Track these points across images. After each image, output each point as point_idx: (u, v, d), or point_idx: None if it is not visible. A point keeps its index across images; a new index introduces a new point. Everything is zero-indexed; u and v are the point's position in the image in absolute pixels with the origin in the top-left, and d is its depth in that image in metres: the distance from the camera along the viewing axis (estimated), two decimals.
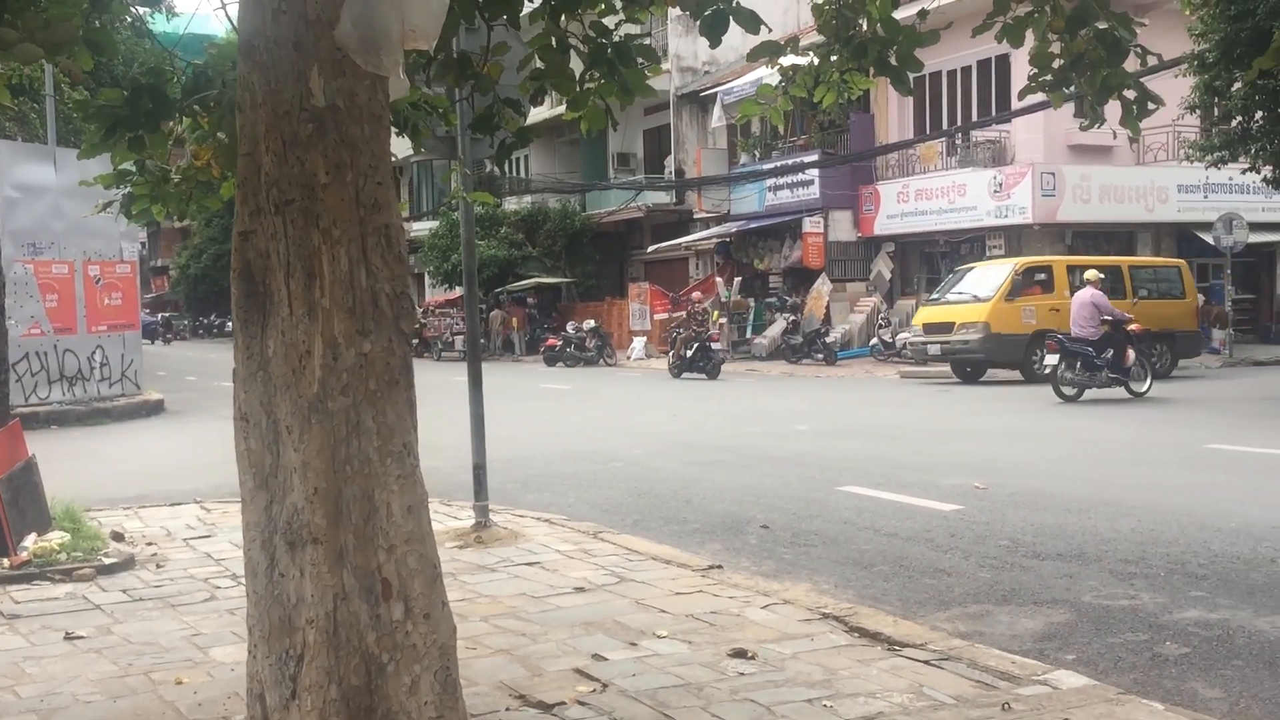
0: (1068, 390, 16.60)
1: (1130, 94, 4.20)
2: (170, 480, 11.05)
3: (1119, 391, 16.86)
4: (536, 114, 33.74)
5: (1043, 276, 21.35)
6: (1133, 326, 17.13)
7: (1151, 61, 4.15)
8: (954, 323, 20.82)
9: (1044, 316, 20.48)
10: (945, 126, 27.59)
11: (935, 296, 22.70)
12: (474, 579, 6.42)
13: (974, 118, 26.80)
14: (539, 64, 4.73)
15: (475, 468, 7.74)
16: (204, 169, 5.04)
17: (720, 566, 6.63)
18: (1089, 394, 16.73)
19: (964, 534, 7.64)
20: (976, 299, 21.04)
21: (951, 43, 5.86)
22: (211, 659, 5.09)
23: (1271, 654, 5.02)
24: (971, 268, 23.14)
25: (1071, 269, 20.99)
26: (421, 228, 42.09)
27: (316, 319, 3.21)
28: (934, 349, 21.38)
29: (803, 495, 9.35)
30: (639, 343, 32.61)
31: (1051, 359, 17.04)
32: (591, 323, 32.11)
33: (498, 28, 4.82)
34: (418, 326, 36.47)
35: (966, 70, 27.20)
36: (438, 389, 19.26)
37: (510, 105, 5.14)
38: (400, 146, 9.08)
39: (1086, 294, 17.23)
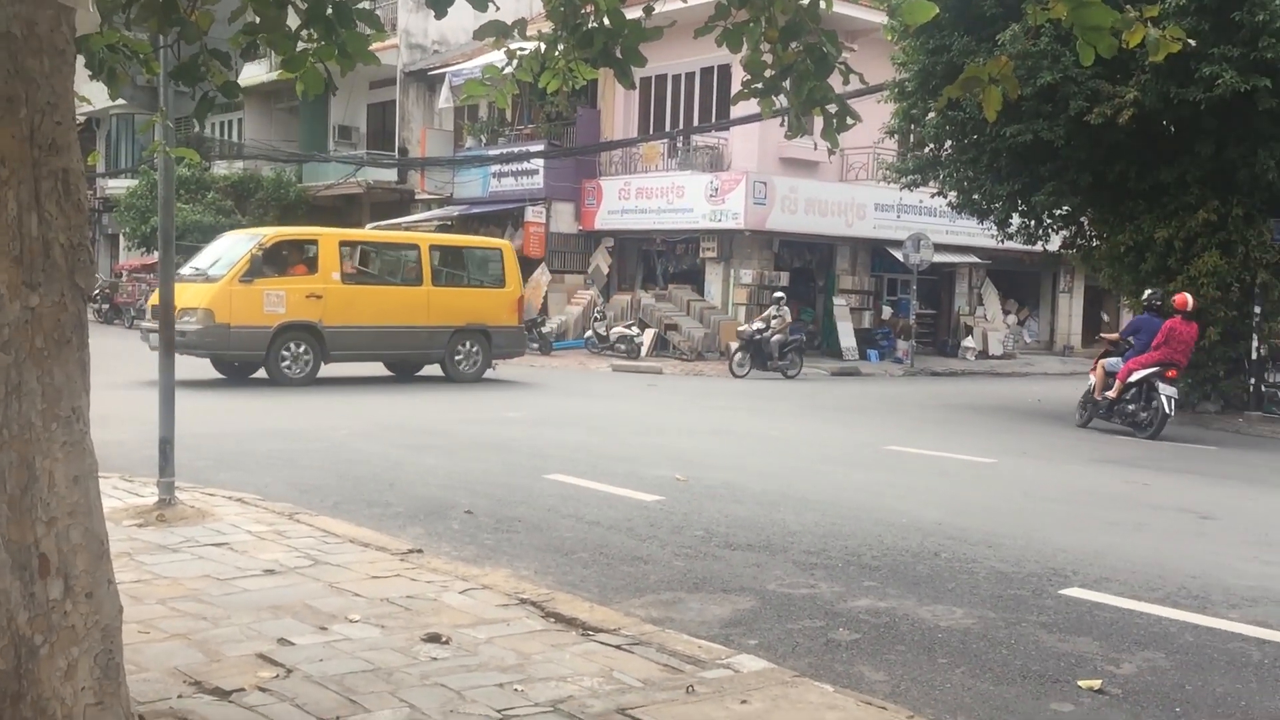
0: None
1: (832, 108, 4.43)
2: None
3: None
4: (255, 75, 32.24)
5: (299, 254, 17.51)
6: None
7: (854, 80, 4.38)
8: (184, 308, 15.35)
9: (299, 305, 16.75)
10: (668, 128, 28.36)
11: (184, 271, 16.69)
12: (153, 559, 6.02)
13: (695, 122, 27.69)
14: (253, 17, 4.48)
15: (162, 441, 7.26)
16: None
17: (420, 551, 6.52)
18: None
19: (663, 524, 7.86)
20: (208, 278, 16.70)
21: (677, 47, 6.01)
22: None
23: (930, 640, 5.43)
24: (227, 235, 19.15)
25: (347, 245, 18.38)
26: (119, 185, 39.22)
27: None
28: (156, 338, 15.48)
29: (509, 482, 9.35)
30: None
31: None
32: None
33: None
34: (107, 290, 34.00)
35: (691, 75, 28.06)
36: (127, 357, 18.02)
37: (218, 58, 4.83)
38: (98, 96, 8.42)
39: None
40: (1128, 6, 3.96)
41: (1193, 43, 4.57)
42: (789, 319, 23.73)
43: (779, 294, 24.43)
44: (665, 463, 10.61)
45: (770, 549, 7.21)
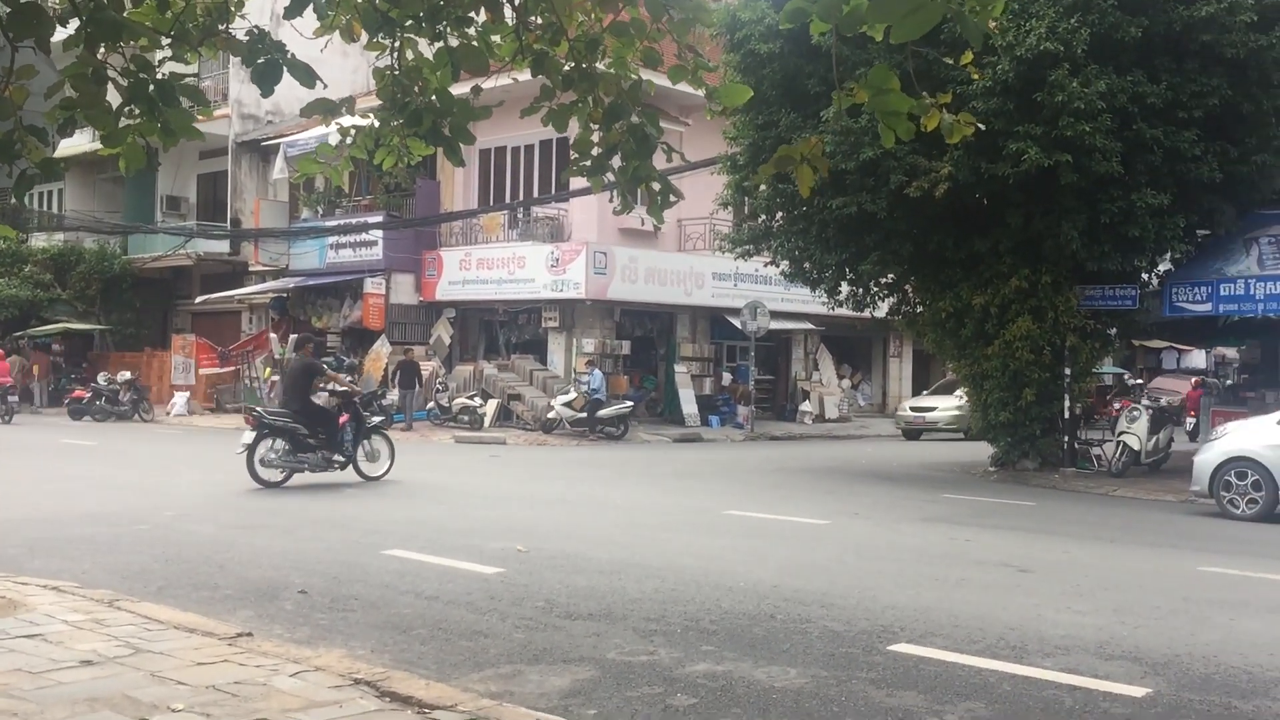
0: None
1: (656, 186, 4.60)
2: None
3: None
4: (75, 146, 31.18)
5: None
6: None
7: (676, 159, 4.57)
8: None
9: None
10: (508, 199, 28.55)
11: None
12: None
13: (535, 194, 27.97)
14: (71, 92, 4.40)
15: None
16: None
17: (250, 634, 6.33)
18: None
19: (503, 596, 7.82)
20: None
21: (515, 120, 6.13)
22: None
23: (765, 701, 5.55)
24: None
25: None
26: None
27: None
28: None
29: (345, 559, 9.16)
30: (181, 398, 30.61)
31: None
32: (127, 374, 29.72)
33: (24, 49, 4.43)
34: None
35: (530, 148, 28.38)
36: None
37: (34, 134, 4.72)
38: None
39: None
40: (924, 94, 4.25)
41: (983, 127, 4.92)
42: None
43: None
44: (507, 534, 10.56)
45: (611, 617, 7.24)
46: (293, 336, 30.42)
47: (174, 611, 6.89)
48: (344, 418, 14.65)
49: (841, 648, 6.59)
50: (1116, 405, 21.05)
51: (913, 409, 29.07)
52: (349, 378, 16.97)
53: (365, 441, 14.98)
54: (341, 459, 14.58)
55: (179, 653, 5.82)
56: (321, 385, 15.00)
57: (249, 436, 14.03)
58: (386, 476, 15.00)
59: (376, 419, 15.47)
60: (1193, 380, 31.95)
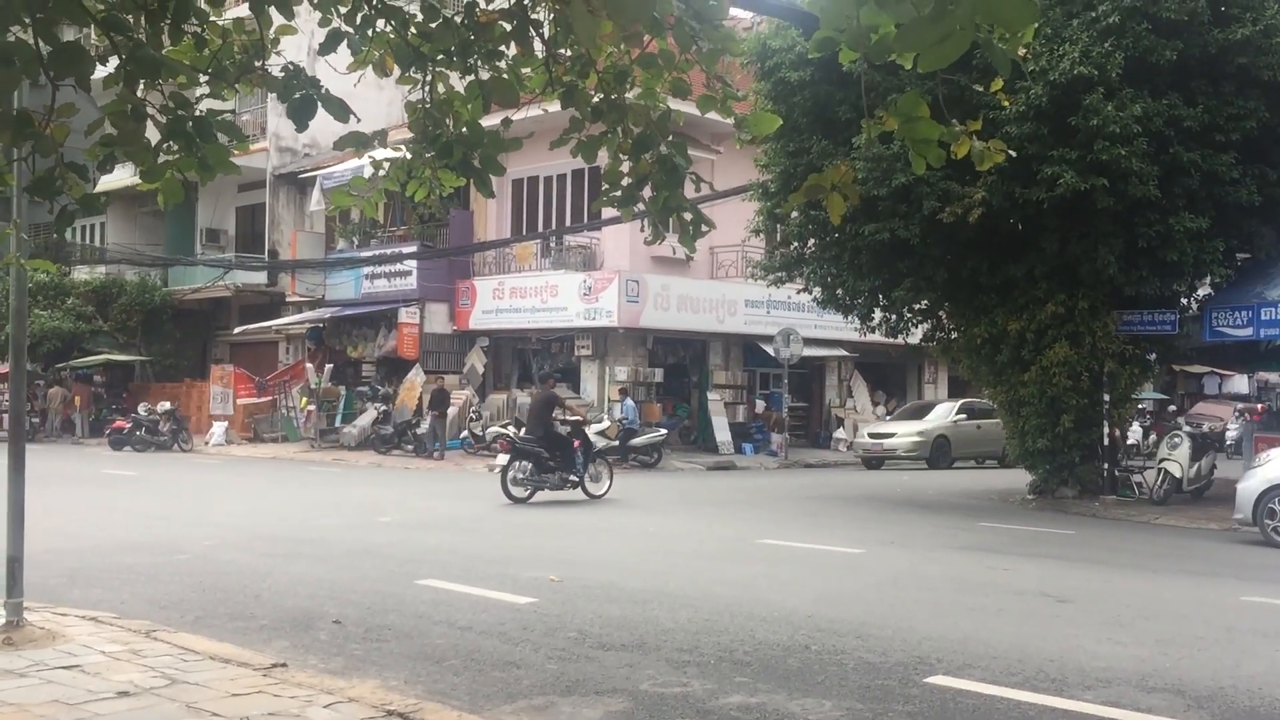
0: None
1: (687, 215, 4.61)
2: None
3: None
4: (116, 180, 31.69)
5: None
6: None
7: (705, 189, 4.58)
8: None
9: None
10: (540, 229, 28.71)
11: None
12: None
13: (568, 222, 28.10)
14: (111, 129, 4.47)
15: (10, 560, 6.96)
16: None
17: (285, 665, 6.35)
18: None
19: (536, 626, 7.80)
20: None
21: (548, 150, 6.18)
22: None
23: None
24: None
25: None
26: None
27: None
28: None
29: (380, 589, 9.18)
30: (219, 428, 30.91)
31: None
32: (166, 405, 30.04)
33: (65, 88, 4.52)
34: None
35: (562, 177, 28.54)
36: None
37: (75, 170, 4.79)
38: None
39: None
40: (954, 121, 4.24)
41: (1013, 154, 4.90)
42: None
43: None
44: (539, 563, 10.55)
45: (644, 648, 7.21)
46: (328, 366, 30.75)
47: (210, 642, 6.93)
48: (576, 443, 16.77)
49: (877, 680, 6.52)
50: (1137, 432, 20.75)
51: (871, 436, 27.57)
52: (585, 411, 19.85)
53: (591, 464, 17.02)
54: (574, 479, 16.66)
55: (214, 684, 5.85)
56: (558, 416, 17.05)
57: (503, 459, 16.42)
58: (607, 495, 17.05)
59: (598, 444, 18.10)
60: (1236, 408, 31.47)
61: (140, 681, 5.85)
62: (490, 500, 17.27)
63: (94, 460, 25.24)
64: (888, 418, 30.30)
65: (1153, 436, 20.88)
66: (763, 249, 22.76)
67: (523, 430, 17.56)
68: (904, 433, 27.15)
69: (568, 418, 17.27)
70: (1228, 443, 29.33)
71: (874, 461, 27.11)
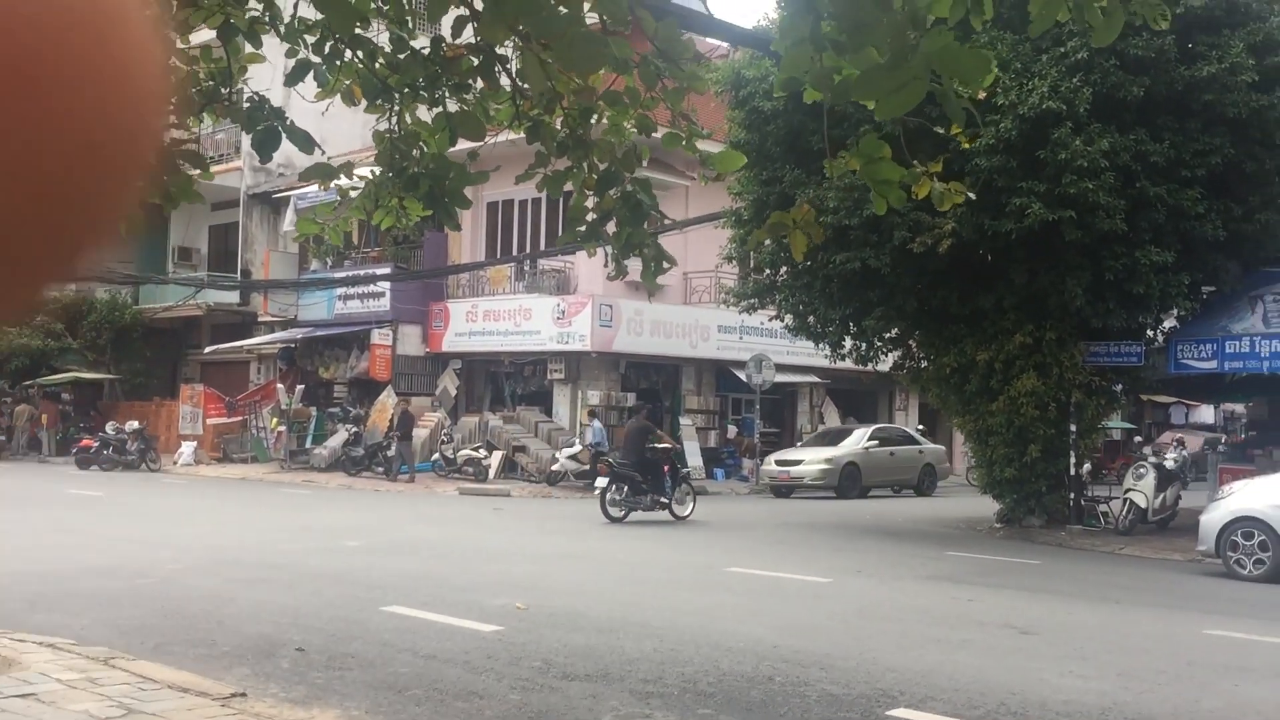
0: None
1: (649, 252, 4.64)
2: None
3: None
4: None
5: None
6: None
7: (669, 224, 4.62)
8: None
9: None
10: (515, 252, 28.73)
11: None
12: None
13: (542, 246, 28.13)
14: None
15: None
16: None
17: (244, 694, 6.30)
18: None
19: (500, 655, 7.77)
20: None
21: (514, 183, 6.21)
22: None
23: None
24: None
25: None
26: None
27: None
28: None
29: (345, 616, 9.12)
30: (188, 448, 30.68)
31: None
32: (135, 424, 29.79)
33: None
34: None
35: (537, 201, 28.58)
36: None
37: None
38: None
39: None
40: (915, 162, 4.29)
41: (973, 196, 4.96)
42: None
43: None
44: (507, 590, 10.51)
45: (608, 678, 7.19)
46: (299, 387, 30.56)
47: (169, 670, 6.86)
48: (666, 468, 18.04)
49: (840, 712, 6.53)
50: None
51: (778, 463, 26.13)
52: (671, 437, 21.19)
53: (677, 489, 18.19)
54: (664, 501, 17.90)
55: (172, 714, 5.80)
56: (650, 443, 18.08)
57: (603, 482, 17.78)
58: (690, 516, 18.15)
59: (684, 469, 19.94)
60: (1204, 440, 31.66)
61: (96, 712, 5.79)
62: (460, 524, 17.22)
63: (60, 479, 24.98)
64: (797, 444, 29.20)
65: (1100, 470, 21.04)
66: (736, 275, 22.84)
67: (617, 455, 18.81)
68: (811, 460, 25.76)
69: (659, 445, 18.29)
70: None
71: (782, 490, 25.77)
